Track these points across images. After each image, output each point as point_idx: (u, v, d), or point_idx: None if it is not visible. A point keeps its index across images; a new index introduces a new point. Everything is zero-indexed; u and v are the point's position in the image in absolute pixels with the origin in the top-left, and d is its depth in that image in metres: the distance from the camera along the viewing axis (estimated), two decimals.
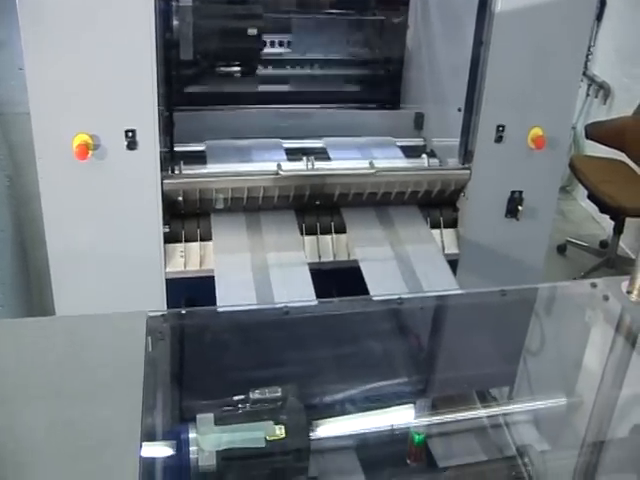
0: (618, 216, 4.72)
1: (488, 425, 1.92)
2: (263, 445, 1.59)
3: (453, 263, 2.87)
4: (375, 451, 1.82)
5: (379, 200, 2.99)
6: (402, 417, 1.90)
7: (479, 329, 2.05)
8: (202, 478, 1.61)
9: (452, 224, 3.06)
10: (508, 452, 1.82)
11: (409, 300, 1.99)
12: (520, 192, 2.96)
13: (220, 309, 2.01)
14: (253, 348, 1.90)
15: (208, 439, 1.59)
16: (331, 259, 2.91)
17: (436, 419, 1.89)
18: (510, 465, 1.77)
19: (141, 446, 1.51)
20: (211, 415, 1.68)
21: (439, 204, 3.07)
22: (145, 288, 2.74)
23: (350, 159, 3.08)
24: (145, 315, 1.84)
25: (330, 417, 1.81)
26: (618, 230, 4.85)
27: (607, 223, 5.12)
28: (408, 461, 1.81)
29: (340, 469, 1.76)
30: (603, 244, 5.24)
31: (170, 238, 2.87)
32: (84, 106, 2.46)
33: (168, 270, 2.84)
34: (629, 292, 2.02)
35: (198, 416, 1.67)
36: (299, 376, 1.81)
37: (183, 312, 1.87)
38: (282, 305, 1.86)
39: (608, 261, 4.95)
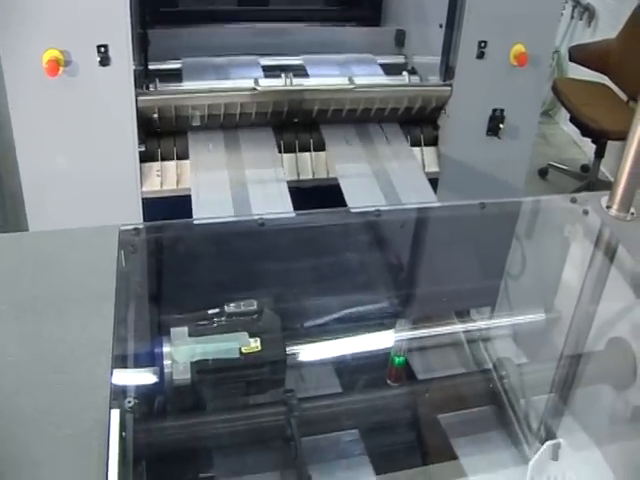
0: (600, 139, 4.68)
1: (467, 340, 1.90)
2: (237, 356, 1.56)
3: (433, 181, 2.83)
4: (353, 367, 1.79)
5: (359, 117, 2.93)
6: (381, 333, 1.87)
7: (457, 242, 2.01)
8: (177, 392, 1.58)
9: (433, 142, 3.00)
10: (486, 366, 1.80)
11: (387, 212, 1.94)
12: (501, 110, 2.90)
13: (194, 221, 1.95)
14: (228, 261, 1.86)
15: (182, 351, 1.56)
16: (310, 177, 2.85)
17: (415, 334, 1.87)
18: (487, 378, 1.76)
19: (113, 361, 1.48)
20: (185, 329, 1.64)
21: (420, 122, 3.01)
22: (121, 209, 2.68)
23: (329, 76, 3.00)
24: (117, 229, 1.79)
25: (307, 331, 1.78)
26: (599, 154, 4.81)
27: (589, 147, 5.07)
28: (388, 381, 1.78)
29: (317, 383, 1.73)
30: (584, 168, 5.21)
31: (146, 157, 2.81)
32: (54, 20, 2.36)
33: (144, 190, 2.78)
34: (609, 207, 1.99)
35: (172, 330, 1.64)
36: (275, 289, 1.77)
37: (155, 225, 1.81)
38: (257, 217, 1.80)
39: (589, 185, 4.92)
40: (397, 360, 1.77)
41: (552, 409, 1.73)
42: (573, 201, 2.00)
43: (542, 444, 1.51)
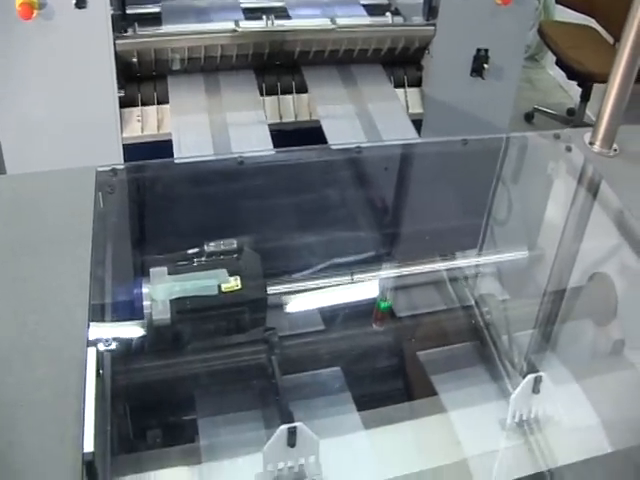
0: (586, 82, 4.63)
1: (450, 279, 1.88)
2: (216, 293, 1.53)
3: (417, 123, 2.79)
4: (335, 306, 1.77)
5: (341, 58, 2.87)
6: (364, 271, 1.84)
7: (439, 179, 1.98)
8: (157, 332, 1.56)
9: (416, 83, 2.96)
10: (468, 302, 1.79)
11: (368, 149, 1.90)
12: (486, 50, 2.85)
13: (172, 161, 1.91)
14: (208, 200, 1.83)
15: (160, 289, 1.54)
16: (292, 119, 2.81)
17: (398, 272, 1.85)
18: (469, 314, 1.75)
19: (91, 300, 1.45)
20: (164, 269, 1.62)
21: (403, 63, 2.96)
22: (102, 155, 2.63)
23: (311, 17, 2.94)
24: (94, 170, 1.75)
25: (288, 270, 1.76)
26: (585, 97, 4.76)
27: (575, 91, 5.02)
28: (374, 325, 1.77)
29: (299, 323, 1.72)
30: (570, 112, 5.17)
31: (126, 102, 2.76)
32: None
33: (125, 135, 2.74)
34: (592, 143, 1.96)
35: (151, 270, 1.61)
36: (255, 228, 1.74)
37: (133, 166, 1.77)
38: (237, 155, 1.76)
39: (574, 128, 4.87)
40: (383, 305, 1.75)
41: (534, 345, 1.72)
42: (556, 137, 1.98)
43: (524, 379, 1.50)
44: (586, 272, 1.84)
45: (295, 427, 1.35)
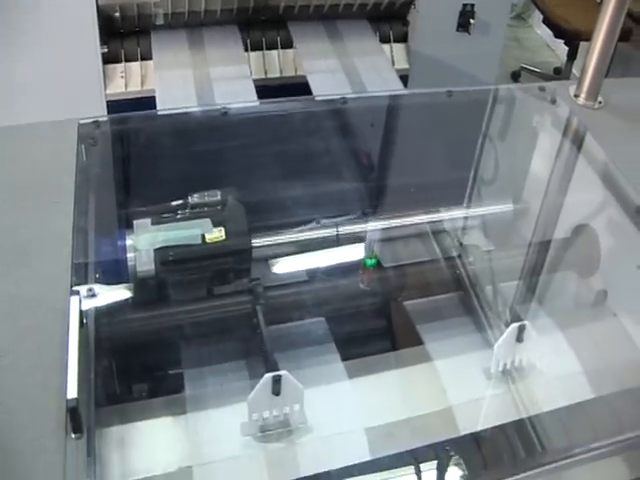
0: (572, 40, 4.60)
1: (435, 231, 1.87)
2: (200, 242, 1.52)
3: (403, 78, 2.77)
4: (320, 258, 1.76)
5: (327, 13, 2.84)
6: (349, 225, 1.83)
7: (424, 131, 1.97)
8: (141, 284, 1.54)
9: (402, 38, 2.93)
10: (453, 253, 1.78)
11: (353, 100, 1.88)
12: (472, 5, 2.83)
13: (155, 113, 1.88)
14: (191, 152, 1.81)
15: (144, 239, 1.52)
16: (278, 75, 2.78)
17: (383, 224, 1.84)
18: (454, 264, 1.74)
19: (74, 252, 1.44)
20: (148, 220, 1.60)
21: (389, 18, 2.93)
22: (85, 112, 2.57)
23: None
24: (76, 123, 1.73)
25: (272, 221, 1.74)
26: (572, 55, 4.73)
27: (561, 50, 4.99)
28: (361, 285, 1.75)
29: (283, 274, 1.71)
30: (557, 71, 5.14)
31: (109, 58, 2.73)
32: None
33: (109, 92, 2.71)
34: (576, 96, 1.95)
35: (135, 222, 1.59)
36: (240, 179, 1.72)
37: (116, 118, 1.75)
38: (220, 106, 1.74)
39: None
40: (369, 262, 1.74)
41: (518, 295, 1.72)
42: (541, 90, 1.96)
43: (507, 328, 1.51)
44: (570, 225, 1.84)
45: (280, 376, 1.35)
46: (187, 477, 1.31)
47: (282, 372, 1.35)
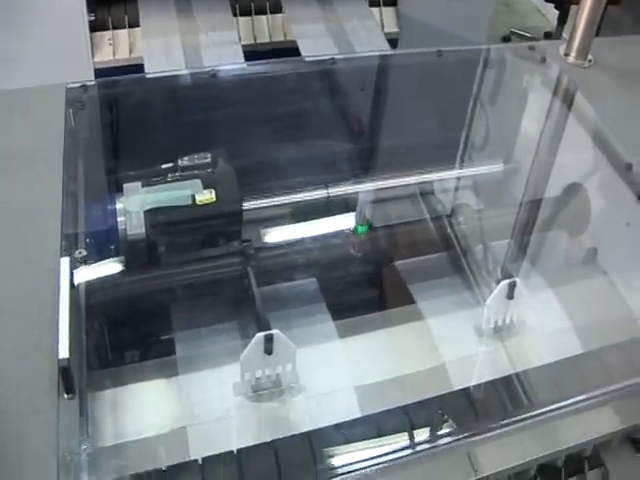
0: (563, 4, 4.56)
1: (426, 192, 1.86)
2: (190, 203, 1.51)
3: (393, 42, 2.74)
4: (311, 219, 1.76)
5: None
6: (339, 187, 1.82)
7: (413, 92, 1.95)
8: (132, 247, 1.53)
9: (392, 2, 2.90)
10: (444, 212, 1.78)
11: (342, 61, 1.86)
12: None
13: (143, 76, 1.86)
14: (180, 115, 1.79)
15: (134, 201, 1.50)
16: (267, 40, 2.75)
17: (373, 185, 1.82)
18: (446, 223, 1.74)
19: (63, 216, 1.43)
20: (138, 183, 1.58)
21: None
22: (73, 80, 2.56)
23: None
24: (64, 87, 1.71)
25: (263, 183, 1.73)
26: (562, 20, 4.69)
27: (552, 15, 4.95)
28: (352, 251, 1.74)
29: (274, 236, 1.70)
30: (547, 35, 5.10)
31: (96, 26, 2.69)
32: None
33: (96, 60, 2.67)
34: (566, 54, 1.94)
35: (125, 185, 1.58)
36: (229, 142, 1.71)
37: (105, 81, 1.73)
38: (209, 68, 1.72)
39: None
40: (360, 229, 1.73)
41: (508, 253, 1.72)
42: (531, 49, 1.95)
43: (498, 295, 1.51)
44: (561, 183, 1.83)
45: (272, 334, 1.35)
46: (181, 438, 1.31)
47: (274, 331, 1.35)
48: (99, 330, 1.47)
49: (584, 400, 1.26)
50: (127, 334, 1.54)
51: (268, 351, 1.36)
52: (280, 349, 1.36)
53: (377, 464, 1.17)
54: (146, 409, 1.36)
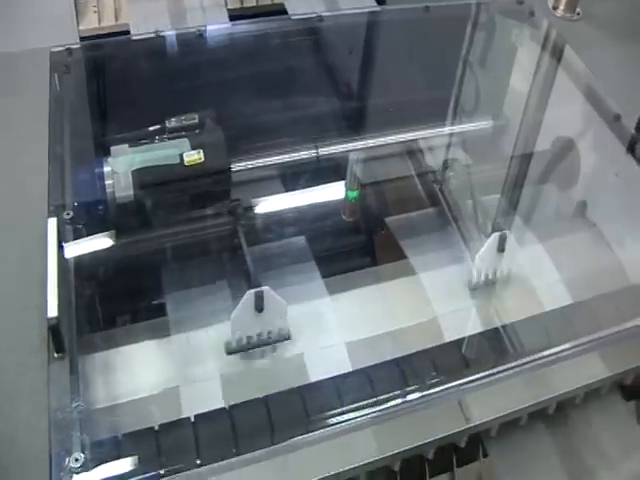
0: None
1: (416, 148, 1.84)
2: (178, 162, 1.49)
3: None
4: (300, 177, 1.74)
5: None
6: (328, 146, 1.79)
7: (402, 49, 1.92)
8: (121, 209, 1.51)
9: None
10: (434, 168, 1.76)
11: (329, 18, 1.83)
12: None
13: (129, 38, 1.82)
14: (167, 76, 1.76)
15: (122, 161, 1.48)
16: (254, 4, 2.69)
17: (362, 144, 1.81)
18: (437, 179, 1.72)
19: (50, 178, 1.41)
20: (126, 145, 1.56)
21: None
22: None
23: None
24: (48, 51, 1.68)
25: (251, 143, 1.71)
26: None
27: None
28: (343, 216, 1.72)
29: (263, 195, 1.68)
30: None
31: None
32: None
33: (81, 28, 2.60)
34: (555, 7, 1.91)
35: (112, 148, 1.55)
36: (217, 102, 1.68)
37: (89, 44, 1.70)
38: (195, 28, 1.69)
39: None
40: (351, 195, 1.71)
41: (499, 208, 1.71)
42: (519, 3, 1.92)
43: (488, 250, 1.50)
44: (550, 138, 1.82)
45: (262, 291, 1.34)
46: (174, 397, 1.30)
47: (264, 288, 1.34)
48: (89, 293, 1.45)
49: (573, 347, 1.26)
50: (117, 296, 1.52)
51: (259, 308, 1.35)
52: (270, 306, 1.35)
53: (368, 414, 1.16)
54: (139, 370, 1.35)
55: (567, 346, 1.26)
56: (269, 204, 1.63)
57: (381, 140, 1.82)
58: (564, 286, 1.51)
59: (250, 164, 1.71)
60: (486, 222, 1.62)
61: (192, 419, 1.19)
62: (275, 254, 1.56)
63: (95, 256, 1.46)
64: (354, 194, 1.72)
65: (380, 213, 1.69)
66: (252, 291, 1.33)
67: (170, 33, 1.75)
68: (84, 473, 1.05)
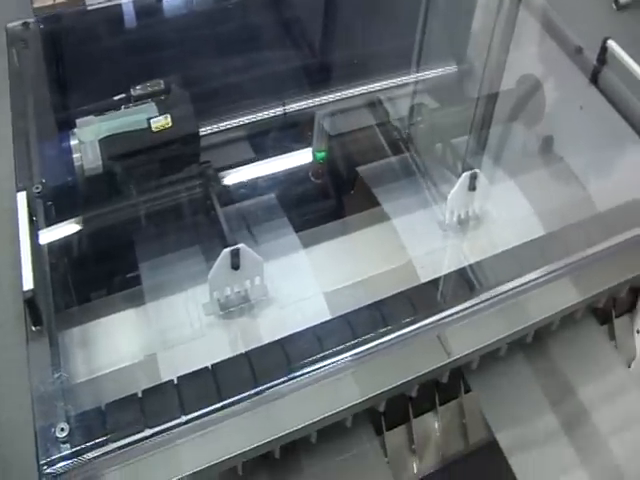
0: None
1: (382, 98, 1.81)
2: (146, 127, 1.45)
3: None
4: (269, 133, 1.71)
5: None
6: (295, 102, 1.77)
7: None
8: (90, 182, 1.48)
9: None
10: (402, 114, 1.73)
11: None
12: None
13: (84, 8, 1.77)
14: (128, 45, 1.71)
15: (88, 131, 1.44)
16: None
17: (329, 97, 1.78)
18: (403, 125, 1.70)
19: (16, 154, 1.38)
20: (92, 117, 1.52)
21: None
22: None
23: None
24: (4, 27, 1.63)
25: (218, 106, 1.68)
26: None
27: None
28: (312, 178, 1.70)
29: (232, 156, 1.65)
30: None
31: None
32: None
33: (35, 6, 2.54)
34: None
35: (78, 120, 1.52)
36: (181, 66, 1.65)
37: (46, 17, 1.65)
38: None
39: None
40: (318, 155, 1.67)
41: (467, 148, 1.69)
42: None
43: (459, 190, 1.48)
44: (515, 76, 1.79)
45: (238, 249, 1.32)
46: (155, 363, 1.28)
47: (240, 245, 1.32)
48: (63, 268, 1.42)
49: (546, 275, 1.26)
50: (92, 269, 1.49)
51: (235, 266, 1.33)
52: (247, 263, 1.33)
53: (350, 357, 1.15)
54: (117, 341, 1.32)
55: (540, 273, 1.26)
56: (239, 164, 1.60)
57: (348, 92, 1.80)
58: (535, 219, 1.51)
59: (218, 126, 1.69)
60: (456, 163, 1.60)
61: (175, 381, 1.17)
62: (248, 213, 1.53)
63: (67, 230, 1.44)
64: (321, 154, 1.68)
65: (351, 163, 1.67)
66: (228, 250, 1.31)
67: (127, 1, 1.69)
68: (70, 442, 1.03)
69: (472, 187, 1.46)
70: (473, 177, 1.45)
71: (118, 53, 1.70)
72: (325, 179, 1.69)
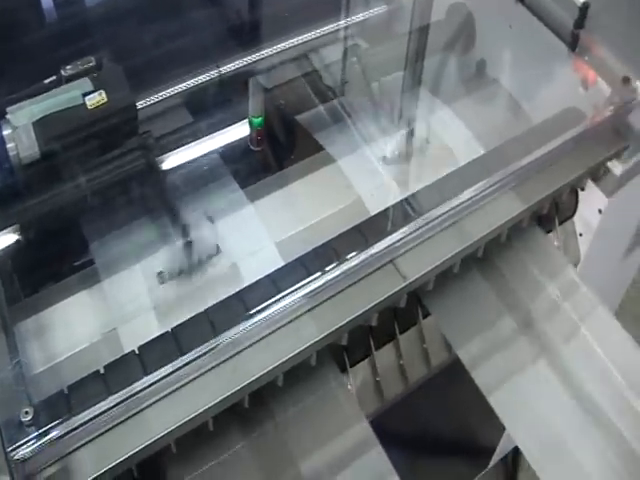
0: None
1: (314, 47, 1.78)
2: (81, 102, 1.40)
3: None
4: (204, 96, 1.67)
5: None
6: (229, 63, 1.72)
7: None
8: (29, 171, 1.42)
9: None
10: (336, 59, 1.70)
11: None
12: None
13: None
14: (48, 23, 1.63)
15: (20, 115, 1.38)
16: None
17: (261, 54, 1.73)
18: (338, 69, 1.67)
19: None
20: (23, 102, 1.47)
21: None
22: None
23: None
24: None
25: (152, 77, 1.63)
26: None
27: None
28: (251, 147, 1.64)
29: (171, 123, 1.61)
30: None
31: None
32: None
33: None
34: None
35: (8, 109, 1.46)
36: (109, 40, 1.59)
37: None
38: None
39: None
40: (255, 121, 1.60)
41: (404, 83, 1.66)
42: None
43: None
44: (443, 6, 1.76)
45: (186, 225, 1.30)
46: (115, 339, 1.26)
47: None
48: (11, 260, 1.38)
49: (489, 187, 1.26)
50: (42, 258, 1.44)
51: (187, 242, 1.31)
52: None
53: (307, 294, 1.13)
54: (75, 323, 1.29)
55: (483, 187, 1.26)
56: (179, 130, 1.56)
57: (281, 46, 1.76)
58: (475, 141, 1.49)
59: (155, 97, 1.64)
60: (394, 98, 1.58)
61: (137, 351, 1.14)
62: (192, 177, 1.50)
63: (11, 222, 1.39)
64: (258, 120, 1.63)
65: (290, 113, 1.63)
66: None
67: None
68: (35, 425, 1.00)
69: (412, 119, 1.43)
70: (409, 134, 1.44)
71: (38, 35, 1.63)
72: (265, 133, 1.64)
